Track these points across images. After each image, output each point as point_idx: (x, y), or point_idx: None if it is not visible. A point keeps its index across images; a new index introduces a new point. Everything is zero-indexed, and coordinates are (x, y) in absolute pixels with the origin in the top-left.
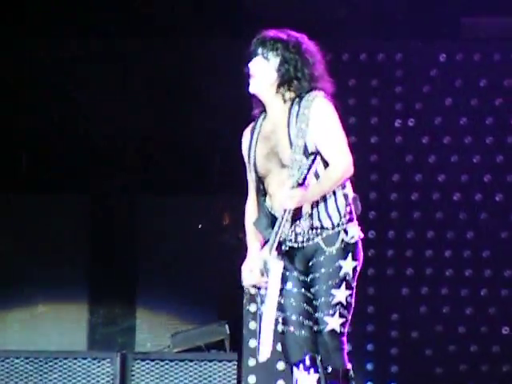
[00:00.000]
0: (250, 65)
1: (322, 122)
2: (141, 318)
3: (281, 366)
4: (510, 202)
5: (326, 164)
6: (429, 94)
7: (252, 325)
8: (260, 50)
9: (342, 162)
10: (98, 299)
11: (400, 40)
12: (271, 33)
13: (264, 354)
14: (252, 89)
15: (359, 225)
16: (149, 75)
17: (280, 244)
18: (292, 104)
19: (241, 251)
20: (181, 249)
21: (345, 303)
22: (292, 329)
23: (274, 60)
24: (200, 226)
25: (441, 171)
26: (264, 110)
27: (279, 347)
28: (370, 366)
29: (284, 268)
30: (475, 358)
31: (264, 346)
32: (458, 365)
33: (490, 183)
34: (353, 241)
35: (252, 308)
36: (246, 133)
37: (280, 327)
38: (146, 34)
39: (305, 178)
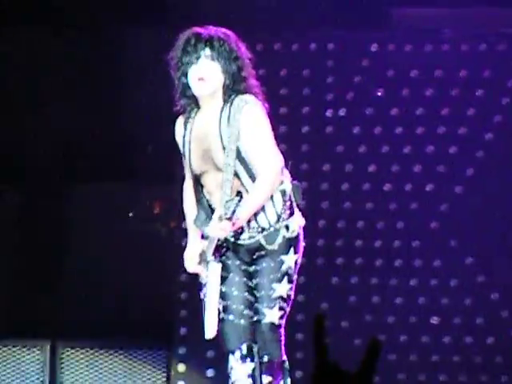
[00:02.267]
0: (199, 67)
1: (251, 128)
2: (68, 305)
3: (211, 354)
4: (440, 193)
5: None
6: (360, 85)
7: (182, 313)
8: (208, 51)
9: (269, 173)
10: (21, 288)
11: (332, 30)
12: (210, 31)
13: (210, 332)
14: (202, 92)
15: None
16: (79, 62)
17: (217, 248)
18: (223, 107)
19: (172, 240)
20: (112, 237)
21: (285, 296)
22: (232, 317)
23: (222, 61)
24: (131, 215)
25: (371, 161)
26: (195, 104)
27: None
28: (299, 355)
29: (226, 258)
30: (404, 347)
31: (210, 324)
32: (387, 354)
33: (421, 173)
34: (294, 234)
35: (183, 296)
36: (179, 125)
37: (220, 315)
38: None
39: (233, 213)
